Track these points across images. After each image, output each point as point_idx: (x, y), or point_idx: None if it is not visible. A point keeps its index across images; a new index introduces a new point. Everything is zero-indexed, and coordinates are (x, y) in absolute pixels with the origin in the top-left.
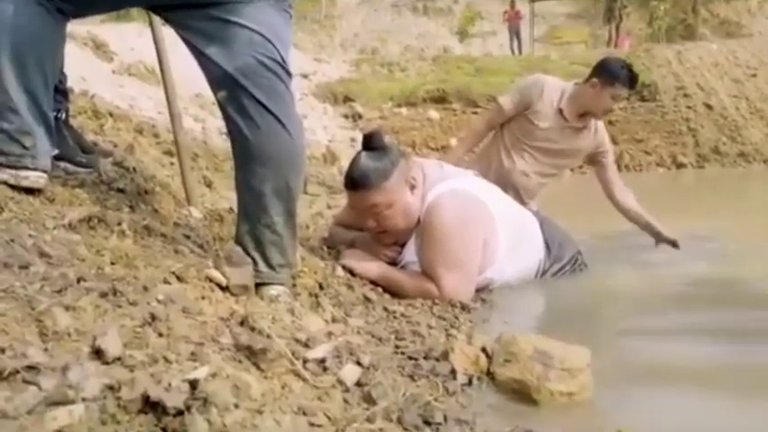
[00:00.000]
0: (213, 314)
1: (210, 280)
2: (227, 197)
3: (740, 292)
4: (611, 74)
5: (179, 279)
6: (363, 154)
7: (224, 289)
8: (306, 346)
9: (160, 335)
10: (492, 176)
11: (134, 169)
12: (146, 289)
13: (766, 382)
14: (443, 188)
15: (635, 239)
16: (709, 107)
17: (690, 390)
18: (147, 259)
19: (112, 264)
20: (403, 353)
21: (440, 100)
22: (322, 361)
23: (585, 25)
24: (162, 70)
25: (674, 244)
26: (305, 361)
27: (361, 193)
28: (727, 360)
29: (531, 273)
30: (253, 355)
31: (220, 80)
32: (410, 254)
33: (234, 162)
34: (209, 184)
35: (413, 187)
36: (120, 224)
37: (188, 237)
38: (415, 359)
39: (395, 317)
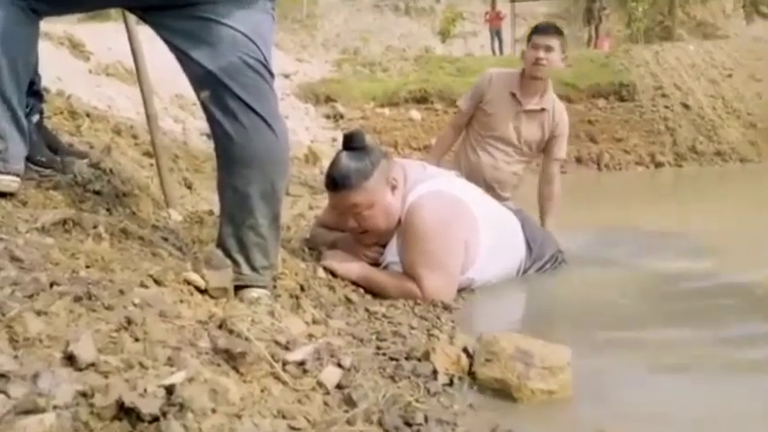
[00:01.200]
0: (191, 318)
1: (189, 283)
2: (207, 199)
3: (717, 287)
4: (530, 34)
5: (156, 282)
6: (344, 154)
7: (203, 292)
8: (286, 348)
9: (136, 339)
10: (465, 175)
11: (111, 171)
12: (122, 293)
13: (746, 376)
14: (425, 188)
15: (614, 235)
16: (686, 107)
17: (669, 386)
18: (124, 262)
19: (87, 267)
20: (384, 354)
21: (422, 100)
22: (302, 363)
23: (566, 26)
24: (138, 70)
25: None
26: (285, 363)
27: (342, 194)
28: (707, 355)
29: (512, 272)
30: (231, 358)
31: (203, 80)
32: (392, 254)
33: (217, 163)
34: (189, 186)
35: (394, 188)
36: (95, 227)
37: (166, 239)
38: (397, 360)
39: (376, 318)
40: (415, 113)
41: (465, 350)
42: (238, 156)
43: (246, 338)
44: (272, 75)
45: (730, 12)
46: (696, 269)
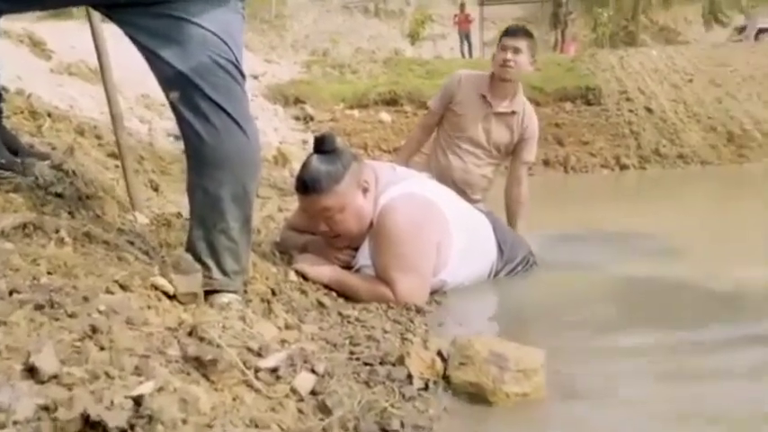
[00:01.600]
0: (160, 324)
1: (157, 288)
2: (174, 201)
3: (685, 288)
4: (500, 36)
5: (122, 288)
6: (315, 157)
7: (171, 297)
8: (258, 354)
9: (101, 348)
10: (435, 177)
11: (74, 172)
12: (86, 300)
13: (717, 376)
14: (396, 191)
15: (583, 237)
16: (649, 111)
17: (641, 388)
18: (88, 268)
19: (49, 273)
20: (358, 359)
21: (391, 102)
22: (275, 370)
23: (533, 30)
24: (102, 69)
25: None
26: (257, 370)
27: (313, 197)
28: (678, 357)
29: (484, 274)
30: (202, 366)
31: (173, 80)
32: (364, 257)
33: (187, 165)
34: (155, 188)
35: (365, 191)
36: (58, 231)
37: (132, 243)
38: (371, 365)
39: (349, 322)
40: (385, 115)
41: (439, 354)
42: (209, 157)
43: (218, 345)
44: (243, 75)
45: (691, 18)
46: (665, 270)
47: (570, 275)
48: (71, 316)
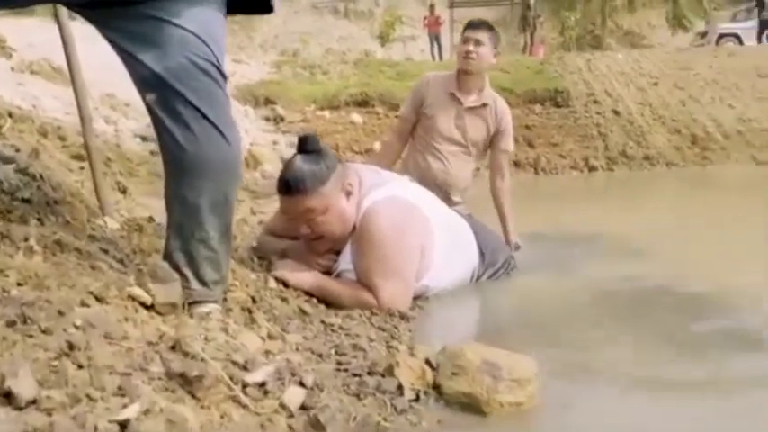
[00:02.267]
0: (140, 338)
1: (133, 299)
2: (143, 204)
3: (666, 290)
4: (462, 31)
5: (98, 299)
6: (299, 157)
7: (149, 308)
8: (244, 368)
9: (80, 367)
10: (416, 181)
11: (41, 176)
12: (61, 313)
13: (706, 384)
14: (380, 194)
15: (559, 239)
16: (616, 113)
17: (633, 396)
18: (61, 278)
19: (20, 285)
20: (346, 369)
21: (363, 103)
22: (263, 384)
23: (502, 32)
24: (70, 68)
25: (513, 247)
26: (244, 385)
27: (296, 198)
28: (666, 364)
29: (466, 279)
30: (187, 383)
31: (150, 83)
32: (345, 262)
33: (165, 172)
34: (123, 191)
35: (348, 194)
36: (27, 239)
37: (105, 251)
38: (359, 375)
39: (333, 330)
40: (357, 117)
41: (428, 362)
42: (188, 165)
43: (202, 359)
44: (224, 78)
45: (655, 23)
46: (643, 272)
47: (551, 279)
48: (45, 332)
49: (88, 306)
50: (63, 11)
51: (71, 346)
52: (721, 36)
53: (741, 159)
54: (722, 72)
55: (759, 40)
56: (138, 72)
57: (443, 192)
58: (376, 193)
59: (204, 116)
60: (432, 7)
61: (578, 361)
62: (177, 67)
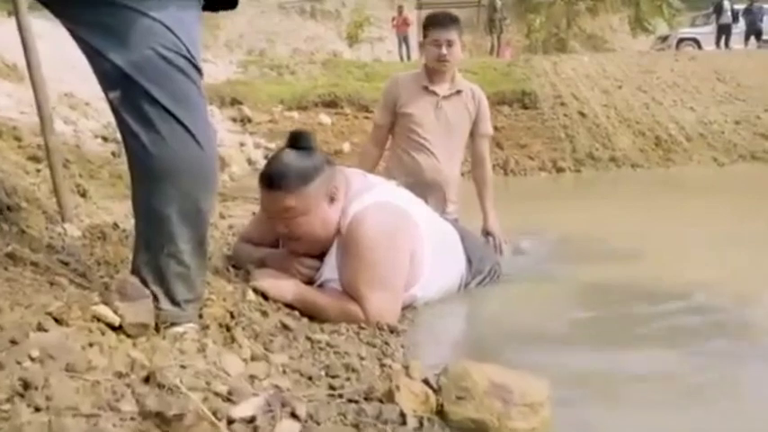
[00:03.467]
0: (107, 368)
1: (99, 319)
2: (105, 208)
3: (655, 294)
4: (426, 25)
5: (58, 322)
6: (287, 152)
7: (116, 329)
8: (228, 400)
9: (37, 409)
10: (405, 184)
11: None
12: (13, 342)
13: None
14: (367, 199)
15: (538, 241)
16: (583, 115)
17: (646, 413)
18: (14, 297)
19: None
20: (341, 395)
21: (331, 104)
22: (251, 420)
23: (469, 34)
24: (29, 64)
25: (489, 235)
26: (230, 421)
27: (276, 194)
28: (675, 373)
29: (454, 287)
30: (165, 423)
31: (112, 79)
32: (330, 270)
33: (131, 177)
34: (83, 194)
35: (332, 199)
36: None
37: (66, 263)
38: (356, 402)
39: (321, 348)
40: (325, 117)
41: (427, 382)
42: (155, 170)
43: (180, 393)
44: (199, 72)
45: (617, 27)
46: (626, 275)
47: (538, 285)
48: None
49: (46, 330)
50: (23, 4)
51: (26, 385)
52: (681, 40)
53: (703, 161)
54: (683, 75)
55: (717, 44)
56: (100, 67)
57: (439, 191)
58: (363, 198)
59: (172, 115)
60: (400, 8)
61: (587, 375)
62: (142, 61)
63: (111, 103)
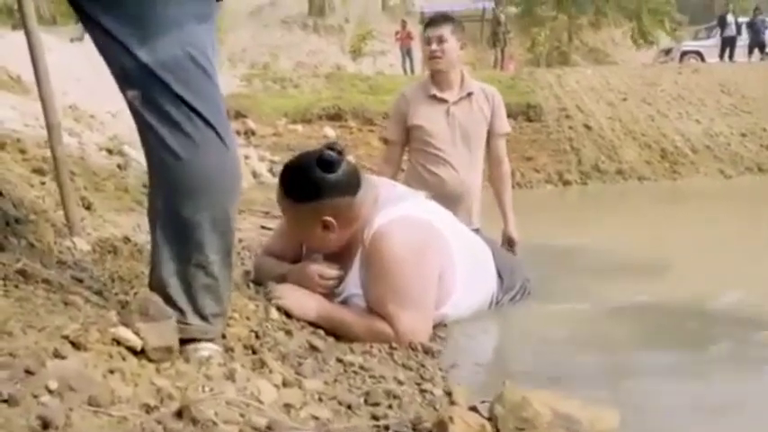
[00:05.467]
0: (132, 400)
1: (119, 343)
2: (111, 221)
3: (676, 307)
4: (423, 29)
5: (75, 346)
6: (312, 160)
7: (138, 353)
8: None
9: None
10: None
11: (0, 192)
12: (29, 373)
13: None
14: (394, 213)
15: (554, 256)
16: (588, 128)
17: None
18: (26, 319)
19: None
20: (387, 427)
21: (335, 117)
22: None
23: (472, 47)
24: (37, 76)
25: (510, 243)
26: None
27: (279, 193)
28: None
29: (485, 305)
30: None
31: (134, 75)
32: (354, 285)
33: (151, 185)
34: (88, 207)
35: (326, 228)
36: None
37: (79, 280)
38: None
39: (354, 371)
40: (330, 130)
41: (476, 410)
42: (185, 176)
43: (217, 427)
44: (215, 71)
45: (619, 40)
46: (653, 288)
47: (569, 302)
48: (11, 403)
49: (63, 357)
50: (30, 12)
51: (45, 424)
52: (684, 53)
53: (710, 173)
54: (687, 88)
55: (721, 57)
56: (120, 63)
57: (463, 202)
58: (389, 211)
59: (200, 115)
60: (404, 22)
61: (645, 396)
62: (170, 59)
63: (130, 103)
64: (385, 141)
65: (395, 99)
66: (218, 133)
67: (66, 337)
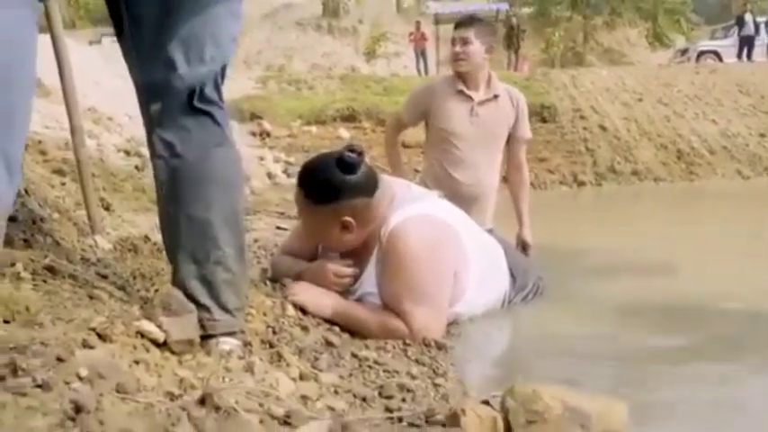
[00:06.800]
0: (157, 388)
1: (143, 335)
2: (130, 221)
3: (685, 303)
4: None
5: (101, 338)
6: (331, 162)
7: (160, 345)
8: (286, 423)
9: None
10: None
11: (26, 191)
12: (60, 360)
13: None
14: (410, 211)
15: (568, 256)
16: (603, 128)
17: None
18: (55, 311)
19: (6, 322)
20: (401, 419)
21: (350, 118)
22: None
23: None
24: (62, 80)
25: (525, 246)
26: None
27: (297, 192)
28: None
29: (497, 304)
30: None
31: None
32: (369, 284)
33: (164, 187)
34: (107, 207)
35: (345, 228)
36: (13, 264)
37: (104, 276)
38: (417, 426)
39: (369, 366)
40: (344, 132)
41: (488, 404)
42: (197, 175)
43: (239, 415)
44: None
45: (635, 41)
46: (665, 288)
47: (581, 300)
48: (43, 388)
49: (91, 347)
50: (57, 17)
51: (78, 408)
52: (701, 53)
53: (727, 174)
54: (704, 88)
55: (739, 56)
56: (156, 76)
57: (479, 203)
58: (405, 210)
59: (209, 116)
60: (418, 23)
61: (656, 393)
62: (207, 74)
63: (149, 116)
64: (397, 119)
65: (422, 86)
66: (223, 131)
67: (93, 329)
